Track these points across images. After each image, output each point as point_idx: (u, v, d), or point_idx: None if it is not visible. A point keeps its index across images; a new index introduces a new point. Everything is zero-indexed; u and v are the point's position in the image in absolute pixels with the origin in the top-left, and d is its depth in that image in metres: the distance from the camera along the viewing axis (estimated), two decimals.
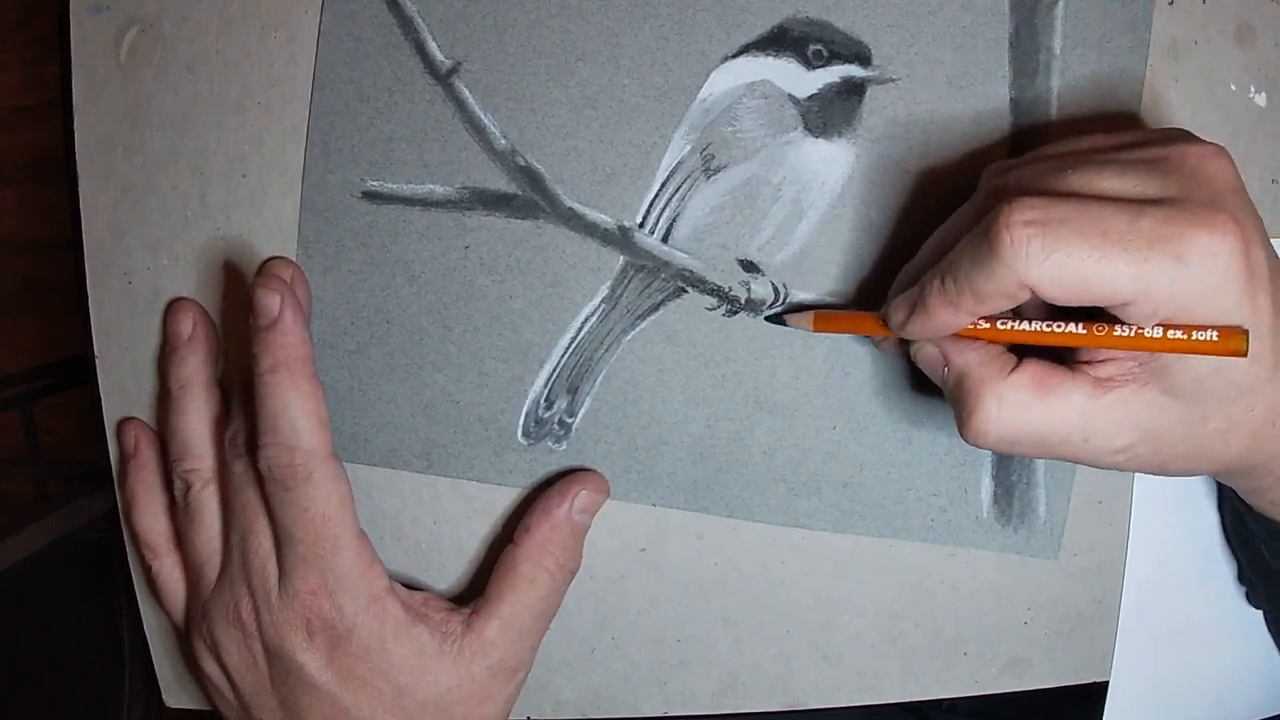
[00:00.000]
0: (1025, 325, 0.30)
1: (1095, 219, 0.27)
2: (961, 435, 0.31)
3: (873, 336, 0.36)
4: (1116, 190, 0.28)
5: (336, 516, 0.35)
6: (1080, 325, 0.29)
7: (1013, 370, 0.31)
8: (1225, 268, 0.27)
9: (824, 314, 0.37)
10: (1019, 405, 0.30)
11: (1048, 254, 0.27)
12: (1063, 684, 0.40)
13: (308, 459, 0.34)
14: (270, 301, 0.34)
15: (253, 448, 0.35)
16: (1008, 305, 0.29)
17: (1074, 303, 0.28)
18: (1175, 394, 0.29)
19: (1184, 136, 0.30)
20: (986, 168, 0.33)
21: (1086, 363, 0.30)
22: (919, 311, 0.31)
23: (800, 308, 0.38)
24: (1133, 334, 0.28)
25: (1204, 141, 0.29)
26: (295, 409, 0.34)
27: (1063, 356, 0.31)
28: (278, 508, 0.35)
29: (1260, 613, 0.41)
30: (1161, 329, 0.28)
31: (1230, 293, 0.27)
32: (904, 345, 0.34)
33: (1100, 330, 0.29)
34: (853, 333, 0.37)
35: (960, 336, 0.32)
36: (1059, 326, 0.30)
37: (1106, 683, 0.40)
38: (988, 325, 0.31)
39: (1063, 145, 0.32)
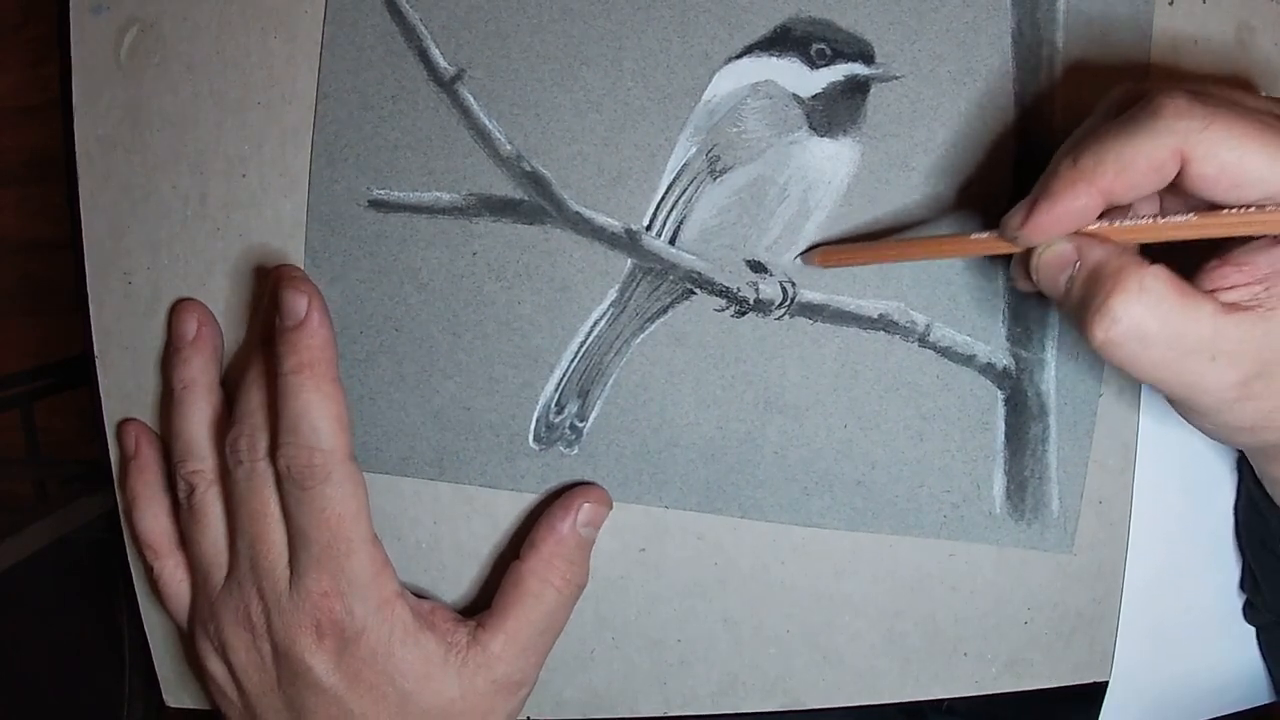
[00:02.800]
0: (1159, 224, 0.29)
1: (1250, 109, 0.27)
2: (1090, 332, 0.29)
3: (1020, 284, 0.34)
4: (1261, 106, 0.28)
5: (352, 519, 0.35)
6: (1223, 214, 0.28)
7: (1151, 266, 0.29)
8: None
9: (835, 248, 0.35)
10: (1160, 296, 0.28)
11: (1208, 123, 0.27)
12: (1063, 684, 0.40)
13: (327, 460, 0.34)
14: (298, 302, 0.35)
15: (254, 450, 0.35)
16: (1150, 185, 0.28)
17: (1218, 188, 0.27)
18: None
19: None
20: (1115, 87, 0.32)
21: (1213, 290, 0.29)
22: (1044, 200, 0.29)
23: (820, 245, 0.37)
24: None
25: None
26: (317, 410, 0.34)
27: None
28: (294, 507, 0.35)
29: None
30: None
31: None
32: (1023, 268, 0.32)
33: (1256, 212, 0.28)
34: (886, 261, 0.36)
35: (1086, 235, 0.30)
36: (1210, 217, 0.28)
37: (1106, 683, 0.40)
38: (1109, 226, 0.29)
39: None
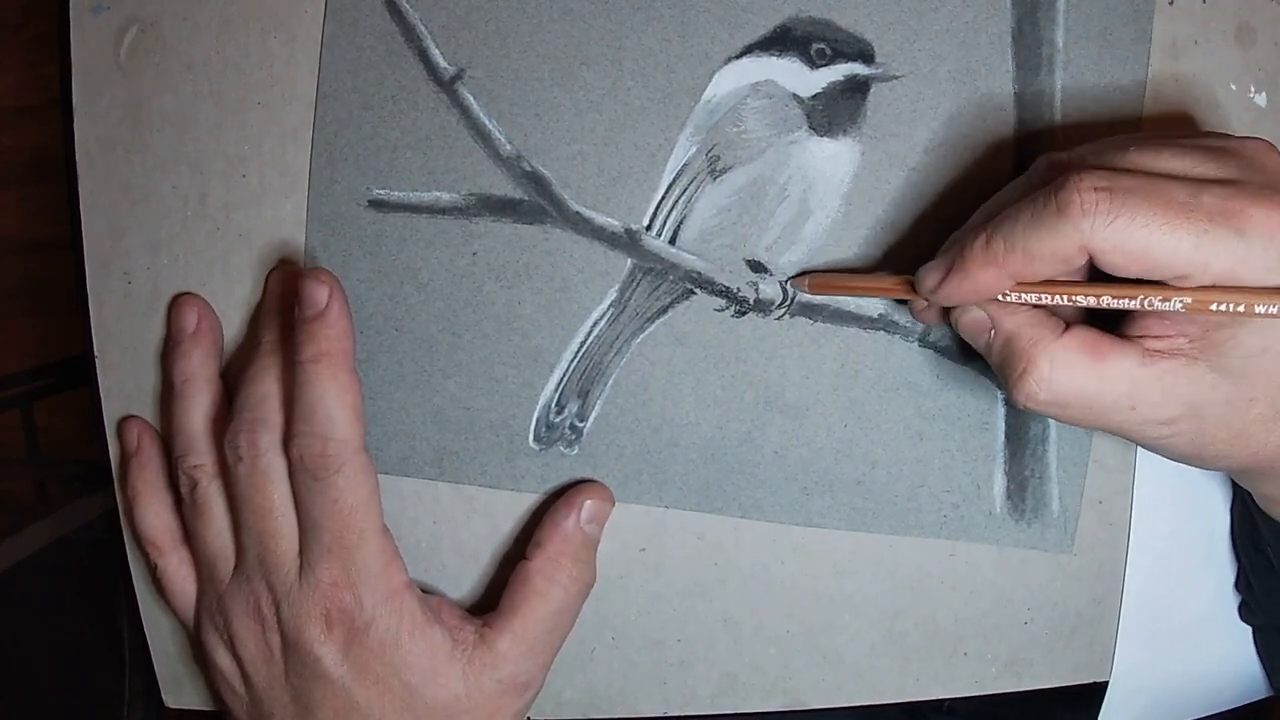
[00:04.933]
0: (1073, 286, 0.30)
1: (1160, 190, 0.28)
2: (1011, 398, 0.31)
3: (912, 304, 0.36)
4: (1178, 169, 0.29)
5: (364, 509, 0.35)
6: (1138, 288, 0.29)
7: (1063, 333, 0.31)
8: None
9: (823, 277, 0.36)
10: (1071, 366, 0.30)
11: (1113, 218, 0.27)
12: (1063, 684, 0.40)
13: (340, 450, 0.34)
14: (318, 293, 0.35)
15: (255, 446, 0.35)
16: (1057, 270, 0.29)
17: (1131, 272, 0.28)
18: (1224, 371, 0.30)
19: (1230, 135, 0.31)
20: (1041, 156, 0.33)
21: (1138, 337, 0.30)
22: (956, 273, 0.31)
23: (811, 271, 0.38)
24: (1192, 301, 0.28)
25: (1254, 137, 0.30)
26: (332, 400, 0.34)
27: (1111, 327, 0.31)
28: (306, 497, 0.35)
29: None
30: (1222, 300, 0.28)
31: None
32: (947, 315, 0.34)
33: (1158, 295, 0.28)
34: (869, 294, 0.37)
35: (1000, 302, 0.31)
36: (1113, 296, 0.29)
37: (1106, 683, 0.40)
38: (1014, 297, 0.31)
39: (1117, 137, 0.32)
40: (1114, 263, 0.28)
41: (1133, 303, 0.29)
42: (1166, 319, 0.30)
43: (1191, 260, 0.27)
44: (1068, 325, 0.31)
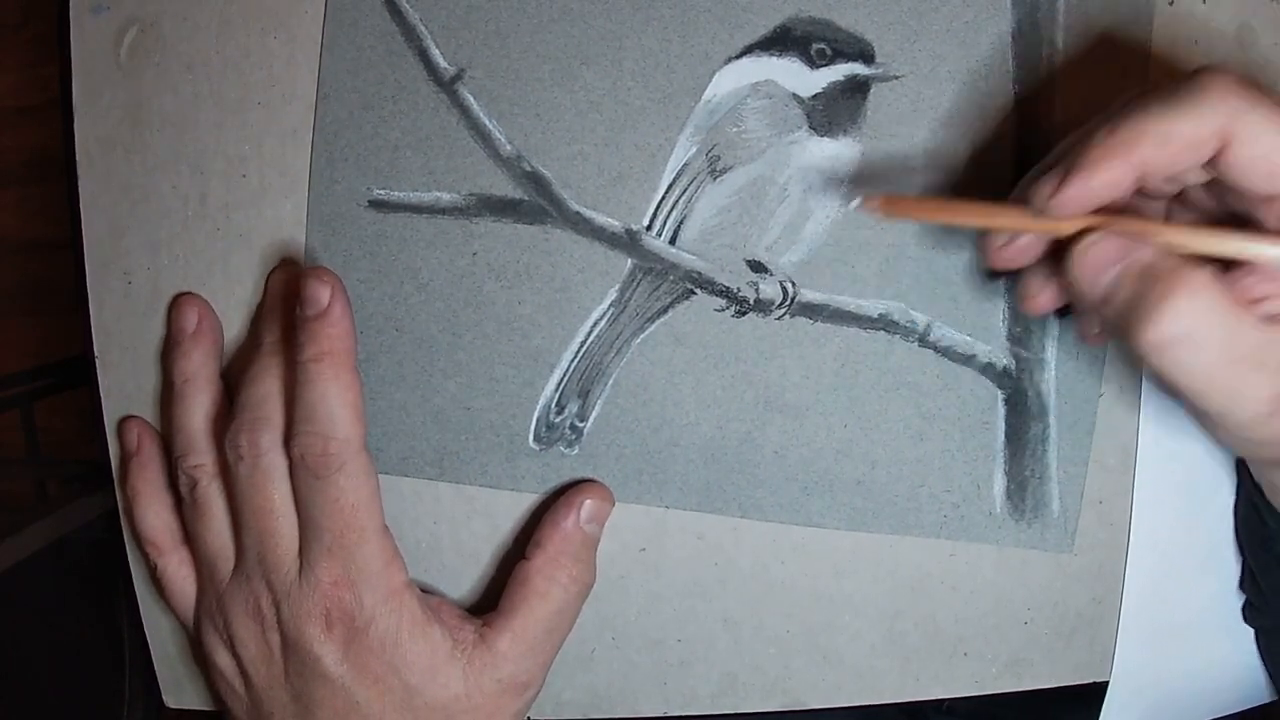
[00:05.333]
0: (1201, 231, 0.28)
1: None
2: (1140, 329, 0.28)
3: (989, 245, 0.32)
4: None
5: (365, 508, 0.35)
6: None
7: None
8: None
9: (900, 200, 0.33)
10: (1213, 300, 0.28)
11: (1255, 105, 0.27)
12: (1063, 684, 0.40)
13: (342, 448, 0.34)
14: (320, 292, 0.35)
15: (255, 446, 0.35)
16: (1185, 163, 0.28)
17: (1250, 177, 0.27)
18: None
19: None
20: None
21: (1250, 301, 0.29)
22: (1078, 172, 0.28)
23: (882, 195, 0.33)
24: None
25: None
26: (334, 399, 0.34)
27: None
28: (307, 496, 0.35)
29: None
30: None
31: None
32: (1048, 252, 0.31)
33: None
34: (955, 222, 0.34)
35: (1130, 234, 0.29)
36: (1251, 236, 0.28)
37: (1106, 683, 0.40)
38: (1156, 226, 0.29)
39: None
40: (1243, 157, 0.27)
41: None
42: (1277, 280, 0.29)
43: None
44: None
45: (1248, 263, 0.30)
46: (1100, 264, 0.29)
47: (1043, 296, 0.33)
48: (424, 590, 0.39)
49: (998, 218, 0.31)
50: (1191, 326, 0.28)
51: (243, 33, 0.38)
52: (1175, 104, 0.27)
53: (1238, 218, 0.30)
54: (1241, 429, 0.29)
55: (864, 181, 0.37)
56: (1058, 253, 0.31)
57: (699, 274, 0.38)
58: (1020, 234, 0.32)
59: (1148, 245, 0.29)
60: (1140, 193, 0.31)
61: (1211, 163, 0.28)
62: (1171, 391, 0.29)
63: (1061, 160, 0.31)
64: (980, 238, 0.33)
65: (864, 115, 0.37)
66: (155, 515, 0.39)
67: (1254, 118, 0.27)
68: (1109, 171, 0.28)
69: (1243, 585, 0.41)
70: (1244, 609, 0.41)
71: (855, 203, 0.33)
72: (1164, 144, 0.28)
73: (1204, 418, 0.30)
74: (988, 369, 0.38)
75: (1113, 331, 0.30)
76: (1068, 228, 0.30)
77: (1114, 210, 0.30)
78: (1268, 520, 0.36)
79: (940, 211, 0.33)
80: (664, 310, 0.38)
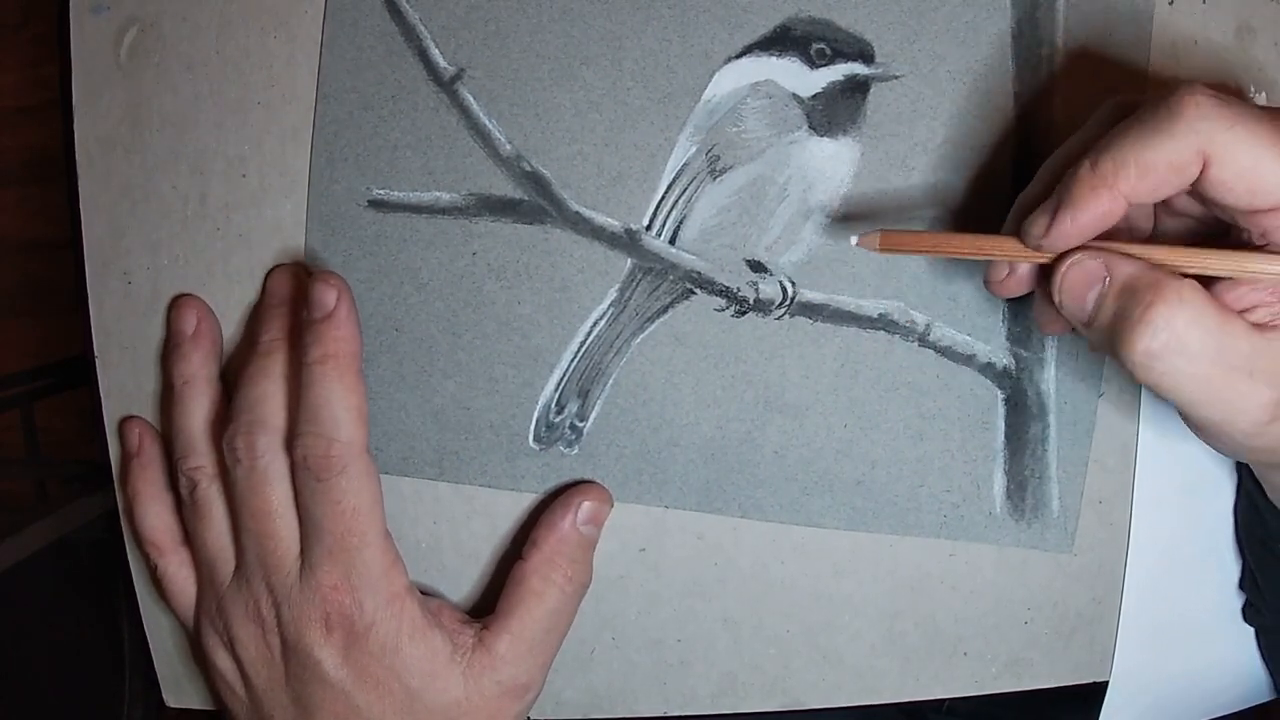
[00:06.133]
0: (1184, 250, 0.28)
1: (1267, 112, 0.27)
2: (1129, 343, 0.28)
3: (991, 274, 0.33)
4: (1272, 113, 0.28)
5: (367, 512, 0.35)
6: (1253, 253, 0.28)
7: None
8: None
9: (897, 235, 0.33)
10: (1200, 309, 0.27)
11: (1232, 124, 0.27)
12: (1063, 684, 0.40)
13: (344, 451, 0.34)
14: (326, 295, 0.35)
15: (252, 448, 0.35)
16: (1171, 187, 0.28)
17: (1232, 195, 0.27)
18: None
19: None
20: (1105, 102, 0.31)
21: (1239, 310, 0.29)
22: (1065, 208, 0.29)
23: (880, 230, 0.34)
24: None
25: None
26: (338, 402, 0.34)
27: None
28: (309, 498, 0.35)
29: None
30: None
31: None
32: (1038, 280, 0.31)
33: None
34: (952, 254, 0.34)
35: (1113, 252, 0.29)
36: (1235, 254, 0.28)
37: (1106, 683, 0.40)
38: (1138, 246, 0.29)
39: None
40: (1224, 176, 0.27)
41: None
42: (1262, 287, 0.29)
43: None
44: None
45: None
46: (1084, 284, 0.29)
47: (1059, 322, 0.33)
48: (424, 593, 0.39)
49: (992, 249, 0.31)
50: (1180, 336, 0.27)
51: (243, 33, 0.38)
52: (1153, 131, 0.27)
53: (1222, 224, 0.30)
54: (1240, 437, 0.29)
55: (864, 181, 0.37)
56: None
57: (699, 274, 0.38)
58: (1018, 263, 0.32)
59: (1129, 260, 0.29)
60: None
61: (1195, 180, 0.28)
62: (1168, 401, 0.30)
63: (1042, 184, 0.31)
64: (985, 268, 0.33)
65: (864, 115, 0.37)
66: (156, 516, 0.39)
67: (1229, 137, 0.27)
68: (1097, 206, 0.28)
69: (1243, 585, 0.41)
70: (1244, 609, 0.41)
71: (854, 240, 0.33)
72: (1146, 173, 0.28)
73: (1201, 427, 0.30)
74: (988, 369, 0.38)
75: (1104, 349, 0.30)
76: (1047, 253, 0.31)
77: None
78: (1268, 519, 0.36)
79: (936, 245, 0.33)
80: (664, 310, 0.38)
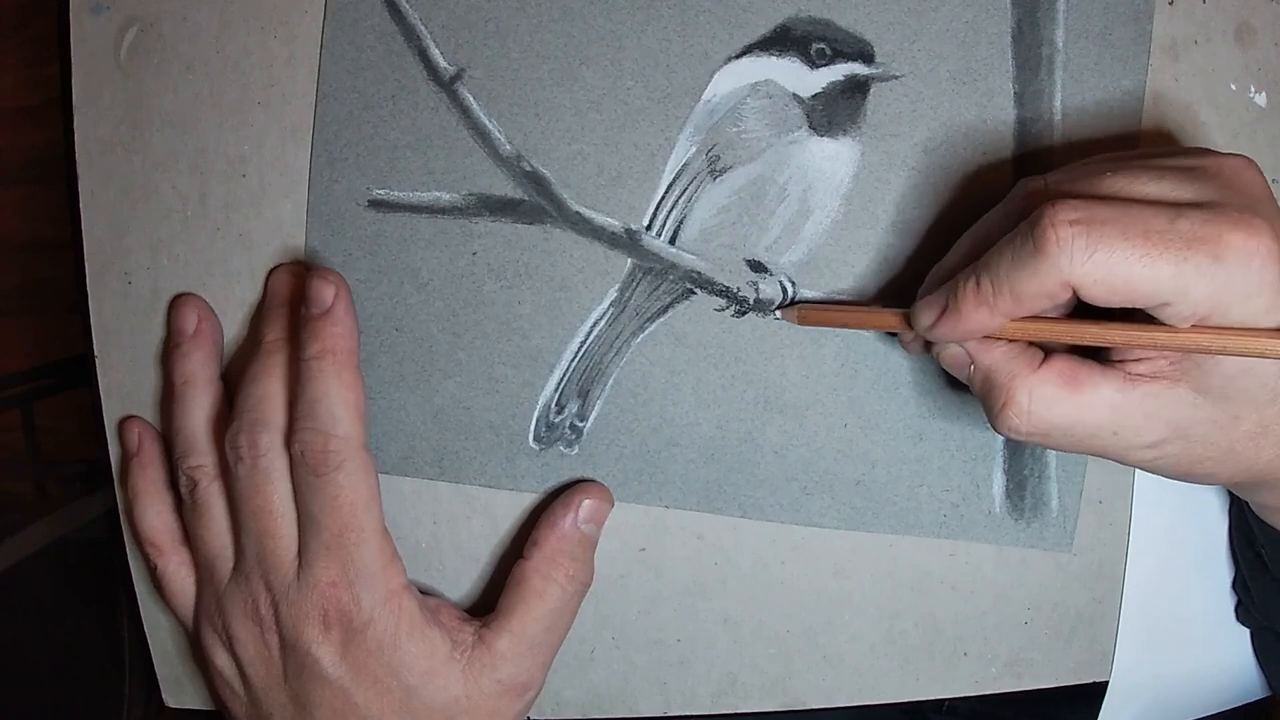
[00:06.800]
0: (1056, 326, 0.30)
1: (1137, 219, 0.27)
2: (994, 428, 0.32)
3: (901, 336, 0.36)
4: (1154, 194, 0.29)
5: (364, 507, 0.35)
6: (1116, 325, 0.29)
7: (1041, 364, 0.31)
8: (1260, 269, 0.27)
9: (813, 309, 0.37)
10: (1050, 399, 0.30)
11: (1091, 252, 0.27)
12: (1063, 684, 0.40)
13: (342, 446, 0.34)
14: (325, 292, 0.35)
15: (255, 446, 0.35)
16: (1046, 306, 0.29)
17: (1113, 303, 0.28)
18: (1207, 392, 0.30)
19: (1211, 152, 0.30)
20: (1020, 181, 0.33)
21: (1119, 361, 0.31)
22: (950, 314, 0.31)
23: (802, 301, 0.38)
24: (1168, 335, 0.28)
25: (1234, 154, 0.30)
26: (335, 397, 0.34)
27: (1093, 352, 0.31)
28: (307, 494, 0.35)
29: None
30: (1217, 342, 0.28)
31: (1265, 294, 0.27)
32: (929, 346, 0.34)
33: (1138, 329, 0.29)
34: (860, 327, 0.37)
35: (978, 341, 0.32)
36: (1094, 327, 0.30)
37: (1106, 683, 0.40)
38: (1015, 326, 0.31)
39: (1095, 159, 0.32)
40: (1096, 295, 0.28)
41: (1132, 331, 0.29)
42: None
43: (1173, 288, 0.27)
44: (1047, 355, 0.31)
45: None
46: (957, 364, 0.33)
47: (917, 345, 0.36)
48: (423, 591, 0.39)
49: (896, 324, 0.34)
50: (1031, 428, 0.31)
51: (243, 33, 0.38)
52: (1021, 263, 0.29)
53: None
54: (1146, 469, 0.32)
55: (864, 181, 0.37)
56: None
57: (699, 274, 0.38)
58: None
59: (991, 351, 0.32)
60: None
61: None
62: None
63: (959, 255, 0.34)
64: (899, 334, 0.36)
65: (864, 115, 0.37)
66: (155, 516, 0.39)
67: (1092, 265, 0.27)
68: (978, 320, 0.30)
69: (1235, 586, 0.41)
70: (1236, 609, 0.41)
71: (777, 313, 0.37)
72: (1020, 300, 0.29)
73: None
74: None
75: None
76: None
77: None
78: (1251, 522, 0.37)
79: (850, 319, 0.36)
80: (664, 310, 0.38)
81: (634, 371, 0.38)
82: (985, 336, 0.31)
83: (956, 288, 0.31)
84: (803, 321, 0.37)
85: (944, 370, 0.35)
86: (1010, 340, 0.32)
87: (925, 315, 0.32)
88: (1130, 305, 0.28)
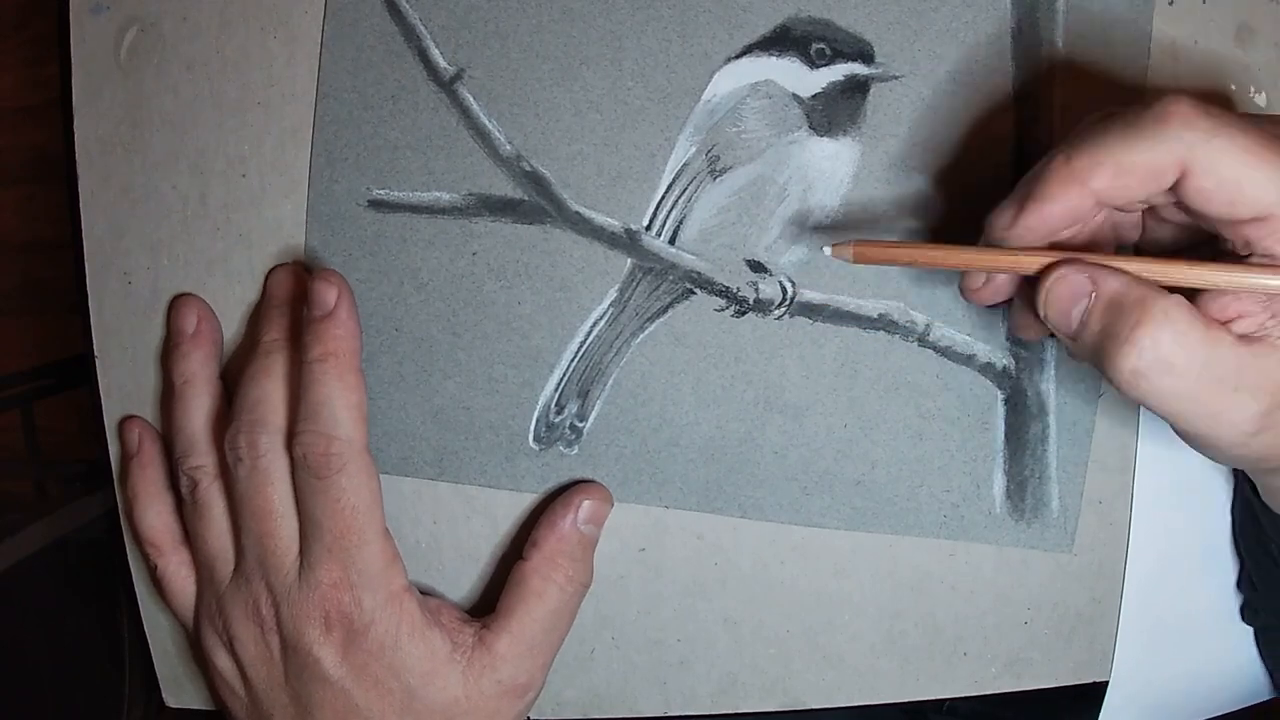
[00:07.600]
0: (1151, 265, 0.28)
1: (1254, 122, 0.27)
2: (1115, 361, 0.28)
3: (967, 281, 0.33)
4: (1260, 123, 0.28)
5: (366, 510, 0.35)
6: (1219, 266, 0.28)
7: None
8: None
9: (870, 245, 0.32)
10: (1185, 326, 0.27)
11: (1213, 136, 0.26)
12: (1062, 684, 0.40)
13: (344, 449, 0.34)
14: (327, 294, 0.35)
15: (254, 447, 0.35)
16: (1144, 192, 0.27)
17: (1210, 204, 0.27)
18: None
19: None
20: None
21: (1222, 321, 0.28)
22: (1035, 200, 0.28)
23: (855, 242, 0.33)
24: None
25: None
26: (338, 399, 0.34)
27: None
28: (308, 496, 0.35)
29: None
30: None
31: None
32: (1021, 290, 0.31)
33: (1247, 268, 0.27)
34: (924, 265, 0.33)
35: (1099, 265, 0.29)
36: (1193, 268, 0.28)
37: (1106, 683, 0.40)
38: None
39: None
40: (1202, 186, 0.27)
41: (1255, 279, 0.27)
42: (1248, 298, 0.28)
43: (1277, 200, 0.26)
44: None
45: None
46: (1069, 298, 0.29)
47: (1036, 328, 0.33)
48: (424, 592, 0.39)
49: (968, 258, 0.31)
50: (1167, 354, 0.27)
51: (243, 33, 0.38)
52: (1134, 133, 0.27)
53: (1207, 232, 0.30)
54: (1228, 448, 0.29)
55: (864, 182, 0.37)
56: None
57: (699, 274, 0.38)
58: (994, 273, 0.32)
59: (1115, 274, 0.28)
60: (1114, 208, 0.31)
61: (1174, 188, 0.28)
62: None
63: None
64: (961, 275, 0.33)
65: (864, 115, 0.37)
66: (155, 516, 0.39)
67: (1211, 148, 0.26)
68: (1067, 200, 0.28)
69: (1240, 586, 0.41)
70: (1241, 609, 0.41)
71: (827, 249, 0.32)
72: (1121, 174, 0.27)
73: (1189, 437, 0.30)
74: (987, 369, 0.38)
75: (1088, 360, 0.29)
76: (1031, 264, 0.30)
77: (1085, 238, 0.30)
78: (1263, 521, 0.36)
79: (911, 255, 0.32)
80: (664, 310, 0.38)
81: (634, 371, 0.38)
82: (1065, 261, 0.28)
83: (1040, 171, 0.28)
84: (858, 259, 0.32)
85: (943, 370, 0.35)
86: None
87: (1002, 216, 0.29)
88: (1228, 211, 0.27)
